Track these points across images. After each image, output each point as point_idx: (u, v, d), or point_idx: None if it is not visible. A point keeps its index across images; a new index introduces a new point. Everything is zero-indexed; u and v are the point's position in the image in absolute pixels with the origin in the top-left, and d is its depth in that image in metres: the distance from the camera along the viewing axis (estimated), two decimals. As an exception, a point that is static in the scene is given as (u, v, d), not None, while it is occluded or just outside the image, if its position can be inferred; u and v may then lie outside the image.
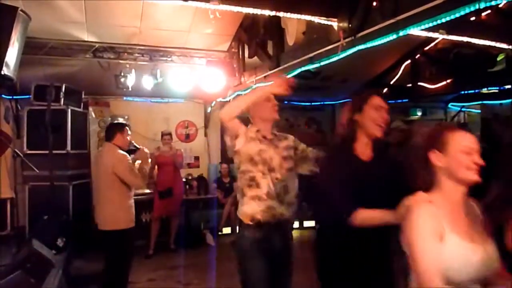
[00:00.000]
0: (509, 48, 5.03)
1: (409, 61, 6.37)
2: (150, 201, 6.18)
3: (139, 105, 7.06)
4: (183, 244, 6.05)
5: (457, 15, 2.26)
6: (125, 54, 5.65)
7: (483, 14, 5.46)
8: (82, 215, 5.84)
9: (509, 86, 6.59)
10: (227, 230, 7.05)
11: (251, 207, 2.40)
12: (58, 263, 4.12)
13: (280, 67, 4.17)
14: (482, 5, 2.21)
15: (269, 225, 2.39)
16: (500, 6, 5.45)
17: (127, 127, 3.93)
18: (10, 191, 6.44)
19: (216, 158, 7.55)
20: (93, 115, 6.55)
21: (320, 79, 6.75)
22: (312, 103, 8.16)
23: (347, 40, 2.99)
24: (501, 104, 7.32)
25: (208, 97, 6.77)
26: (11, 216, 6.40)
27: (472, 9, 2.23)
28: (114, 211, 3.71)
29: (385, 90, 7.24)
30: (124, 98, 6.90)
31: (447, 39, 4.98)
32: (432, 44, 5.93)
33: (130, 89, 5.83)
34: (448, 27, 3.91)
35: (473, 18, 5.40)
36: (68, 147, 5.61)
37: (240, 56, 5.31)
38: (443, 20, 2.38)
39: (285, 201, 2.45)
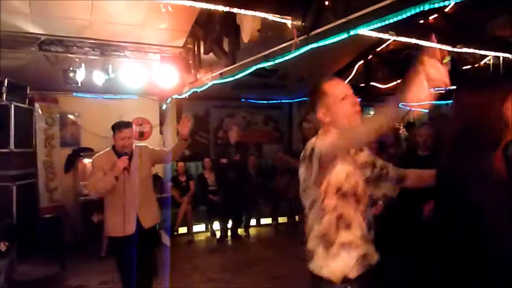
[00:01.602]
0: (453, 51, 5.31)
1: (362, 61, 6.56)
2: (101, 201, 5.94)
3: (90, 102, 6.77)
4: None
5: (404, 16, 2.33)
6: (74, 47, 5.38)
7: (431, 17, 5.74)
8: (27, 218, 5.52)
9: (454, 87, 6.94)
10: (183, 229, 6.95)
11: (343, 261, 1.72)
12: (1, 268, 3.88)
13: (236, 65, 4.14)
14: (427, 7, 2.29)
15: (362, 279, 1.75)
16: (446, 10, 5.74)
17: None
18: None
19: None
20: (40, 112, 6.20)
21: (277, 78, 6.80)
22: (270, 101, 8.20)
23: (300, 38, 3.02)
24: (447, 104, 7.71)
25: (163, 93, 6.63)
26: None
27: (418, 11, 2.31)
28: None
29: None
30: (74, 94, 6.60)
31: (398, 41, 5.18)
32: (384, 45, 6.13)
33: (80, 84, 5.57)
34: (398, 29, 4.07)
35: (421, 21, 5.66)
36: (12, 145, 5.28)
37: (196, 53, 5.22)
38: (391, 21, 2.46)
39: (371, 240, 1.83)
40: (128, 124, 3.50)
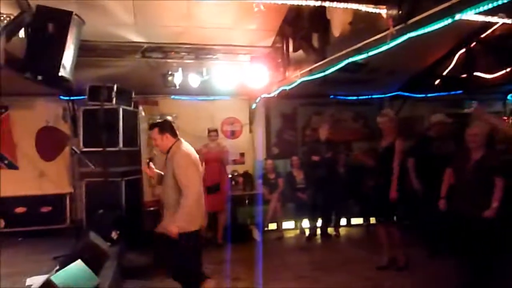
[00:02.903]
0: None
1: (463, 50, 6.01)
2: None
3: (186, 103, 7.22)
4: (230, 239, 6.13)
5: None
6: (172, 53, 5.77)
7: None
8: (134, 210, 6.07)
9: None
10: (272, 226, 7.06)
11: None
12: (113, 254, 4.31)
13: (326, 60, 4.08)
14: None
15: None
16: None
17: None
18: (69, 187, 6.86)
19: (261, 154, 7.57)
20: (143, 114, 6.78)
21: (367, 72, 6.54)
22: (359, 97, 7.93)
23: (397, 27, 2.86)
24: None
25: (253, 93, 6.79)
26: (70, 210, 6.83)
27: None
28: None
29: (437, 81, 6.91)
30: (172, 96, 7.08)
31: (507, 25, 4.64)
32: (489, 31, 5.54)
33: (177, 87, 5.97)
34: (509, 10, 3.65)
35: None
36: (120, 145, 5.85)
37: (285, 51, 5.26)
38: (500, 2, 2.20)
39: None
40: (151, 126, 3.69)
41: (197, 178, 3.49)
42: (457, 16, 2.36)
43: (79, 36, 4.20)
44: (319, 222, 6.80)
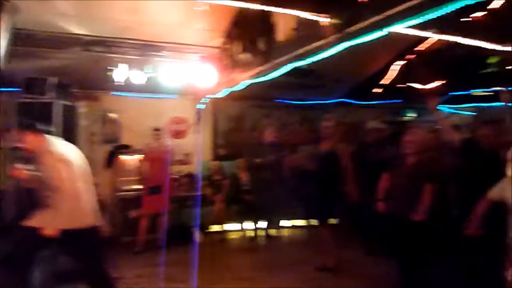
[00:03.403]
0: (502, 50, 5.04)
1: (402, 61, 6.36)
2: (139, 197, 6.13)
3: (130, 101, 6.99)
4: (172, 241, 6.00)
5: (444, 11, 2.23)
6: (117, 48, 5.57)
7: (477, 14, 5.48)
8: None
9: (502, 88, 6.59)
10: (216, 228, 7.02)
11: None
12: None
13: (270, 64, 4.13)
14: (468, 2, 2.17)
15: None
16: (493, 7, 5.46)
17: None
18: None
19: (207, 155, 7.51)
20: (83, 109, 6.47)
21: (314, 78, 6.73)
22: (306, 102, 8.12)
23: (336, 36, 2.96)
24: (493, 107, 7.34)
25: (200, 93, 6.72)
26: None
27: (458, 6, 2.20)
28: None
29: (378, 90, 7.24)
30: (115, 93, 6.84)
31: (441, 40, 4.98)
32: (425, 44, 5.91)
33: (121, 84, 5.77)
34: (440, 27, 3.92)
35: (466, 19, 5.41)
36: (56, 141, 5.53)
37: (232, 52, 5.27)
38: (431, 17, 2.35)
39: None
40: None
41: (67, 176, 3.28)
42: (388, 29, 2.48)
43: (13, 24, 3.94)
44: (263, 224, 6.86)
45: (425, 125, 4.74)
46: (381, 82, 6.98)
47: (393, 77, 6.62)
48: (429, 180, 3.84)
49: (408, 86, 6.32)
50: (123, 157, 6.63)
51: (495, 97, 6.92)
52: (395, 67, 6.50)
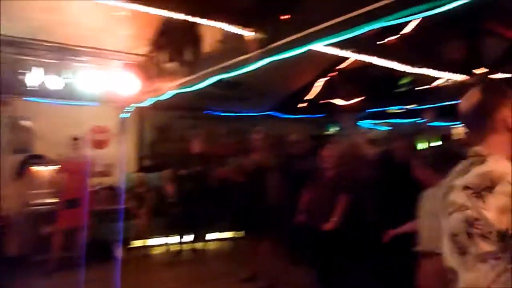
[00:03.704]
0: (412, 72, 5.52)
1: (325, 78, 6.68)
2: (52, 211, 5.67)
3: (45, 107, 6.47)
4: (91, 258, 5.62)
5: (359, 32, 2.37)
6: (30, 50, 5.16)
7: (391, 38, 5.95)
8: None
9: (413, 106, 7.20)
10: (139, 243, 6.71)
11: None
12: None
13: (196, 75, 4.09)
14: (382, 25, 2.34)
15: None
16: (405, 32, 5.96)
17: None
18: None
19: (131, 167, 7.19)
20: (-10, 115, 5.87)
21: (241, 90, 6.80)
22: (234, 114, 8.17)
23: (260, 51, 3.01)
24: (406, 123, 7.97)
25: (124, 102, 6.45)
26: None
27: (372, 27, 2.35)
28: None
29: (304, 104, 7.51)
30: (28, 98, 6.30)
31: (359, 60, 5.32)
32: (346, 63, 6.28)
33: (35, 88, 5.34)
34: (358, 48, 4.18)
35: (381, 41, 5.84)
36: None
37: (157, 61, 5.14)
38: (348, 37, 2.49)
39: None
40: None
41: None
42: (308, 46, 2.58)
43: None
44: (189, 238, 6.70)
45: (344, 139, 4.98)
46: (305, 97, 7.26)
47: (316, 93, 6.91)
48: (344, 191, 4.03)
49: (330, 101, 6.64)
50: (35, 168, 6.10)
51: (408, 113, 7.54)
52: (319, 83, 6.80)
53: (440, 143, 6.36)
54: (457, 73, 5.07)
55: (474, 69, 4.98)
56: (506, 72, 5.22)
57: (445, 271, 2.81)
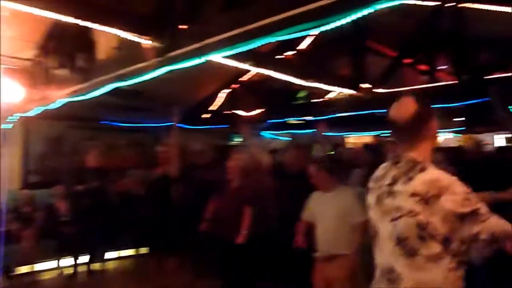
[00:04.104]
0: (308, 86, 5.88)
1: (228, 89, 6.79)
2: None
3: None
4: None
5: (254, 45, 2.45)
6: None
7: (288, 53, 6.30)
8: None
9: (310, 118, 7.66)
10: (24, 269, 6.00)
11: None
12: None
13: (90, 82, 3.85)
14: (274, 39, 2.45)
15: None
16: (302, 48, 6.34)
17: None
18: None
19: (15, 183, 6.45)
20: None
21: (142, 101, 6.57)
22: (135, 125, 7.84)
23: (157, 59, 2.94)
24: (304, 133, 8.44)
25: (6, 110, 5.78)
26: None
27: (265, 42, 2.45)
28: None
29: (207, 115, 7.52)
30: None
31: (260, 73, 5.52)
32: (247, 76, 6.46)
33: None
34: (257, 61, 4.33)
35: (279, 56, 6.14)
36: None
37: (46, 66, 4.72)
38: (245, 49, 2.56)
39: None
40: None
41: None
42: (205, 57, 2.60)
43: None
44: (84, 258, 6.18)
45: (247, 149, 5.08)
46: (209, 108, 7.29)
47: (220, 104, 6.98)
48: (248, 203, 4.09)
49: (233, 112, 6.76)
50: None
51: (306, 124, 7.99)
52: (222, 95, 6.89)
53: (334, 151, 6.85)
54: (346, 87, 5.53)
55: (360, 84, 5.49)
56: (388, 88, 5.86)
57: (346, 271, 3.00)
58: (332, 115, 6.49)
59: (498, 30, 5.26)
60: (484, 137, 5.57)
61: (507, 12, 4.58)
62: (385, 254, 1.52)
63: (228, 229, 4.13)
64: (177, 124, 7.96)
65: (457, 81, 5.12)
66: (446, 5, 5.02)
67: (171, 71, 2.95)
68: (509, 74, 5.06)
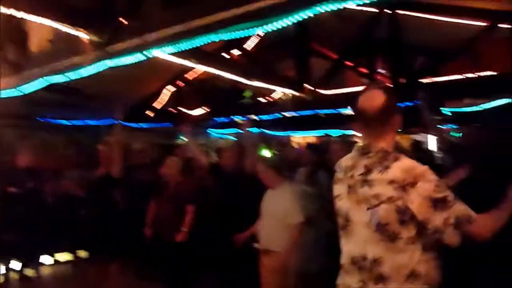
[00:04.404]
0: (252, 85, 5.93)
1: (173, 87, 6.66)
2: None
3: None
4: None
5: (197, 44, 2.43)
6: None
7: (235, 53, 6.31)
8: None
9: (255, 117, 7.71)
10: None
11: None
12: None
13: (21, 75, 3.60)
14: (218, 38, 2.44)
15: None
16: (247, 48, 6.38)
17: None
18: None
19: None
20: None
21: (81, 97, 6.26)
22: (73, 122, 7.45)
23: (95, 54, 2.82)
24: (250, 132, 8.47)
25: None
26: None
27: (211, 40, 2.44)
28: None
29: (151, 113, 7.33)
30: None
31: (206, 71, 5.47)
32: (193, 73, 6.38)
33: None
34: (201, 59, 4.29)
35: (224, 55, 6.14)
36: None
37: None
38: (188, 47, 2.52)
39: None
40: None
41: None
42: (147, 53, 2.53)
43: None
44: (16, 265, 5.79)
45: (188, 149, 4.97)
46: (153, 106, 7.11)
47: (164, 102, 6.84)
48: (188, 203, 4.06)
49: (178, 110, 6.65)
50: None
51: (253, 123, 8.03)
52: (167, 92, 6.75)
53: (280, 150, 6.96)
54: (290, 88, 5.64)
55: (304, 84, 5.63)
56: (331, 89, 6.07)
57: (275, 268, 3.08)
58: (277, 114, 6.61)
59: (431, 37, 5.65)
60: (419, 137, 5.93)
61: (440, 21, 4.94)
62: (359, 242, 1.58)
63: (169, 229, 4.07)
64: (118, 122, 7.68)
65: (393, 85, 5.41)
66: (383, 12, 5.29)
67: (111, 66, 2.83)
68: (440, 79, 5.46)
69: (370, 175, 1.56)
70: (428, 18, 5.08)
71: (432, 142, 6.28)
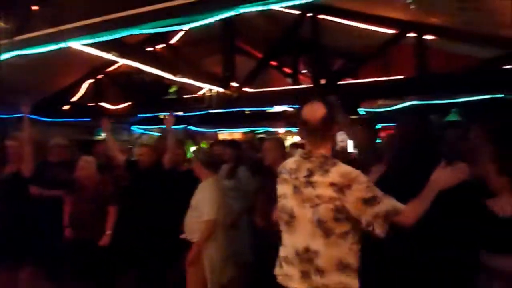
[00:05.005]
0: (178, 81, 5.84)
1: (92, 80, 6.32)
2: None
3: None
4: None
5: (115, 36, 2.35)
6: None
7: (159, 47, 6.16)
8: None
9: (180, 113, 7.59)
10: None
11: None
12: None
13: None
14: (139, 32, 2.38)
15: None
16: (172, 42, 6.26)
17: None
18: None
19: None
20: None
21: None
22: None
23: (3, 42, 2.59)
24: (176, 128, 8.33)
25: None
26: None
27: (132, 33, 2.36)
28: None
29: (66, 107, 6.87)
30: None
31: (129, 65, 5.26)
32: (114, 67, 6.11)
33: None
34: (123, 52, 4.13)
35: (148, 48, 5.97)
36: None
37: None
38: (107, 38, 2.42)
39: None
40: None
41: None
42: (62, 44, 2.39)
43: None
44: None
45: (105, 145, 4.72)
46: (71, 100, 6.69)
47: (83, 95, 6.47)
48: (109, 204, 3.92)
49: (98, 105, 6.32)
50: None
51: (178, 120, 7.90)
52: (86, 85, 6.39)
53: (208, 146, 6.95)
54: (216, 85, 5.66)
55: (230, 82, 5.67)
56: (255, 87, 6.18)
57: (191, 257, 3.23)
58: (203, 111, 6.58)
59: (348, 41, 6.02)
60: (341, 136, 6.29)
61: (356, 27, 5.28)
62: (303, 236, 1.77)
63: (90, 230, 3.90)
64: (28, 116, 7.07)
65: (314, 85, 5.67)
66: (305, 15, 5.52)
67: (21, 55, 2.61)
68: (357, 81, 5.84)
69: (313, 177, 1.78)
70: (345, 24, 5.41)
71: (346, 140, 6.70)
